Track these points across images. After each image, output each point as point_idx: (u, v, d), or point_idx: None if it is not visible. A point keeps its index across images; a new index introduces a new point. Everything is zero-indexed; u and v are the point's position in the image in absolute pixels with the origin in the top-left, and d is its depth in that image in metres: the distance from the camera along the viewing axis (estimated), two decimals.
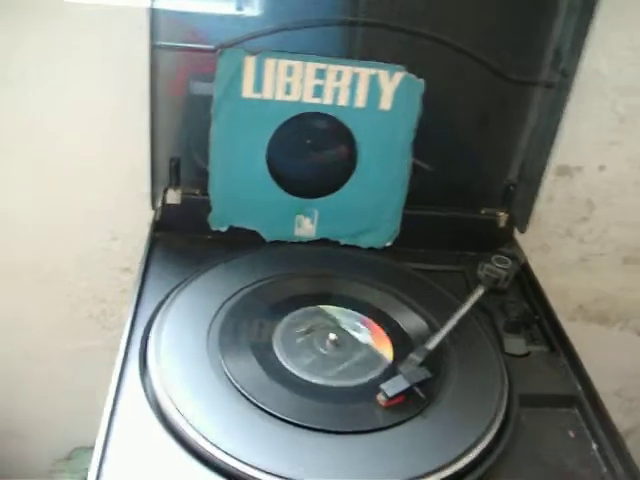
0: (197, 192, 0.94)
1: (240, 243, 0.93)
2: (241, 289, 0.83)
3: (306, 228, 0.95)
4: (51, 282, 1.12)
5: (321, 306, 0.83)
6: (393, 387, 0.69)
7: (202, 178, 0.91)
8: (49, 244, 1.09)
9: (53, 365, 1.20)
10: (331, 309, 0.83)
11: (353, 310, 0.84)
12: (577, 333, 0.88)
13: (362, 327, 0.81)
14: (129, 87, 0.93)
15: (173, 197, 0.94)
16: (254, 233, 0.94)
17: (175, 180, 0.93)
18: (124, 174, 1.01)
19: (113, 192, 1.04)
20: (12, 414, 1.26)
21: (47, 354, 1.19)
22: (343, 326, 0.81)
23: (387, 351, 0.78)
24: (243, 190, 0.92)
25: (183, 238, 0.94)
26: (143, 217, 0.96)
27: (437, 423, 0.69)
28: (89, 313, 1.15)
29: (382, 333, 0.80)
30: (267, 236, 0.94)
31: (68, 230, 1.07)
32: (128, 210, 1.03)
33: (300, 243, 0.95)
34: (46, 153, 1.01)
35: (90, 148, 1.01)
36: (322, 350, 0.77)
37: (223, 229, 0.94)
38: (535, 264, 0.98)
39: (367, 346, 0.78)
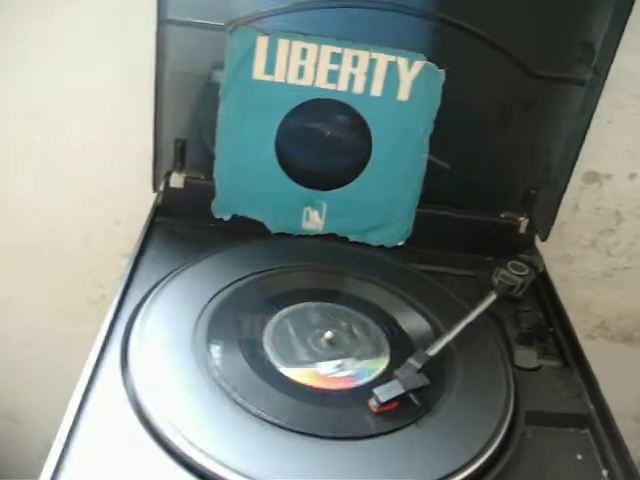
0: (202, 177, 0.90)
1: (244, 233, 0.89)
2: (236, 280, 0.78)
3: (314, 221, 0.90)
4: (52, 265, 1.10)
5: (320, 303, 0.79)
6: (387, 392, 0.65)
7: (208, 162, 0.87)
8: (51, 226, 1.06)
9: (49, 349, 1.17)
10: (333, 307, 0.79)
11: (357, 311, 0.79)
12: (597, 351, 0.83)
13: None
14: (136, 65, 0.90)
15: (177, 181, 0.90)
16: (259, 223, 0.90)
17: (180, 163, 0.90)
18: (129, 156, 0.98)
19: (117, 174, 1.01)
20: (6, 397, 1.24)
21: (44, 338, 1.17)
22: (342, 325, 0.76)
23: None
24: (249, 177, 0.88)
25: (184, 224, 0.90)
26: (149, 201, 0.92)
27: (432, 434, 0.64)
28: (89, 298, 1.12)
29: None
30: (272, 227, 0.90)
31: (71, 212, 1.05)
32: (133, 194, 1.00)
33: (307, 237, 0.91)
34: (51, 135, 0.99)
35: (95, 129, 0.98)
36: (316, 349, 0.72)
37: (226, 217, 0.90)
38: (556, 275, 0.93)
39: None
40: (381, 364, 0.72)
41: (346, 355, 0.72)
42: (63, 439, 0.58)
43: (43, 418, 1.23)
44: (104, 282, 1.10)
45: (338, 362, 0.71)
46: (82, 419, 0.60)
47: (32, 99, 0.96)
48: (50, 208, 1.05)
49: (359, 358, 0.72)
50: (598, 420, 0.70)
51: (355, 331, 0.76)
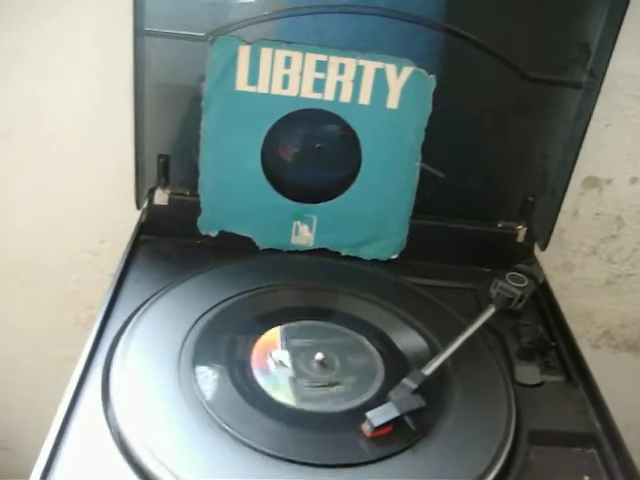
0: (187, 193, 0.88)
1: (232, 249, 0.86)
2: (223, 300, 0.76)
3: (304, 236, 0.88)
4: (37, 286, 1.07)
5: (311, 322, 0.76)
6: (380, 416, 0.61)
7: (193, 177, 0.85)
8: (35, 247, 1.04)
9: (38, 373, 1.14)
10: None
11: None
12: (602, 362, 0.82)
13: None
14: (119, 79, 0.87)
15: (161, 197, 0.88)
16: (247, 239, 0.87)
17: (163, 179, 0.87)
18: (113, 173, 0.95)
19: (102, 191, 0.98)
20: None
21: (32, 361, 1.14)
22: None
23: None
24: (235, 192, 0.85)
25: (170, 242, 0.87)
26: (134, 219, 0.89)
27: (429, 460, 0.60)
28: (77, 320, 1.09)
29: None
30: (261, 243, 0.87)
31: (55, 231, 1.02)
32: (117, 211, 0.97)
33: (296, 252, 0.88)
34: (32, 152, 0.96)
35: (76, 146, 0.96)
36: (307, 371, 0.69)
37: (213, 234, 0.87)
38: (557, 285, 0.91)
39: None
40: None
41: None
42: (39, 475, 0.55)
43: (33, 442, 1.20)
44: (91, 303, 1.08)
45: None
46: (61, 453, 0.58)
47: (10, 115, 0.93)
48: (33, 227, 1.02)
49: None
50: (605, 439, 0.67)
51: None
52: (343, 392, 0.67)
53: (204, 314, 0.73)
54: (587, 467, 0.65)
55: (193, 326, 0.72)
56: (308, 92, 0.80)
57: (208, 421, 0.61)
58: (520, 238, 0.92)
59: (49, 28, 0.87)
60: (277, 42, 0.78)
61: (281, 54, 0.78)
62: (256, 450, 0.59)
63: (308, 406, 0.65)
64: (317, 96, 0.80)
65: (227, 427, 0.60)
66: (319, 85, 0.80)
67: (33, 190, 0.99)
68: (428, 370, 0.67)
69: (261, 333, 0.73)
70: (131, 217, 0.89)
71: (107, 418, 0.61)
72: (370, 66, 0.79)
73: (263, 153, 0.83)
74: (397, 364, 0.72)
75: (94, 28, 0.86)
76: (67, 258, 1.04)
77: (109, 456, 0.58)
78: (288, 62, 0.78)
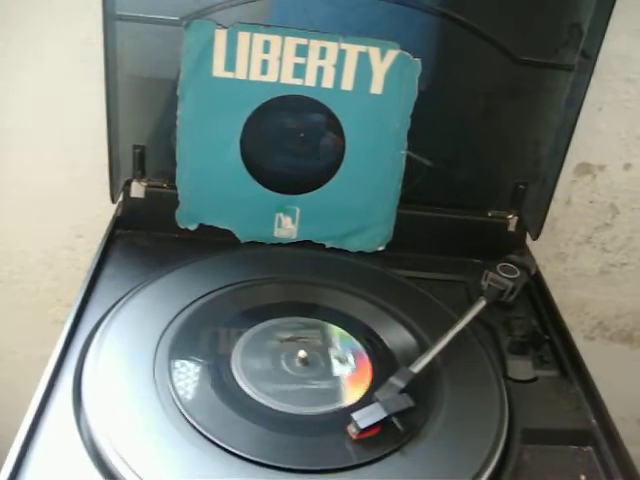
0: (164, 185, 0.85)
1: (212, 243, 0.84)
2: (202, 296, 0.73)
3: (287, 228, 0.85)
4: (16, 283, 1.04)
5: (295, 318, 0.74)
6: (367, 417, 0.59)
7: (170, 169, 0.82)
8: (13, 242, 1.01)
9: (17, 372, 1.12)
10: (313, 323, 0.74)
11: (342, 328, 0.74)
12: (596, 353, 0.81)
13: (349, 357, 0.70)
14: (92, 68, 0.83)
15: (137, 190, 0.85)
16: (228, 233, 0.85)
17: (139, 171, 0.84)
18: (88, 166, 0.93)
19: (77, 186, 0.95)
20: None
21: (11, 360, 1.12)
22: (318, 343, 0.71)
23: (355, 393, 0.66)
24: (215, 183, 0.82)
25: (147, 236, 0.85)
26: (110, 213, 0.87)
27: (418, 462, 0.58)
28: (54, 318, 1.06)
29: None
30: (242, 236, 0.85)
31: (30, 227, 0.99)
32: (94, 205, 0.95)
33: (279, 245, 0.86)
34: (7, 147, 0.93)
35: (52, 139, 0.93)
36: (289, 370, 0.66)
37: (192, 227, 0.84)
38: (549, 275, 0.90)
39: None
40: None
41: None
42: None
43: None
44: (69, 301, 1.04)
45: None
46: (29, 461, 0.55)
47: None
48: (10, 222, 0.99)
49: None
50: (602, 435, 0.65)
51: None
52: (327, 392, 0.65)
53: (182, 311, 0.71)
54: (584, 466, 0.63)
55: (170, 324, 0.69)
56: (288, 78, 0.77)
57: (184, 425, 0.59)
58: (511, 227, 0.90)
59: (30, 22, 0.84)
60: (255, 25, 0.74)
61: (259, 38, 0.75)
62: (235, 455, 0.56)
63: (291, 408, 0.63)
64: (298, 82, 0.77)
65: (204, 431, 0.58)
66: (300, 70, 0.77)
67: (9, 185, 0.96)
68: (416, 367, 0.64)
69: (242, 329, 0.71)
70: (108, 211, 0.86)
71: (78, 422, 0.59)
72: (353, 50, 0.76)
73: (243, 142, 0.80)
74: (384, 361, 0.69)
75: (70, 18, 0.84)
76: (45, 254, 1.02)
77: (80, 463, 0.55)
78: (267, 46, 0.75)
